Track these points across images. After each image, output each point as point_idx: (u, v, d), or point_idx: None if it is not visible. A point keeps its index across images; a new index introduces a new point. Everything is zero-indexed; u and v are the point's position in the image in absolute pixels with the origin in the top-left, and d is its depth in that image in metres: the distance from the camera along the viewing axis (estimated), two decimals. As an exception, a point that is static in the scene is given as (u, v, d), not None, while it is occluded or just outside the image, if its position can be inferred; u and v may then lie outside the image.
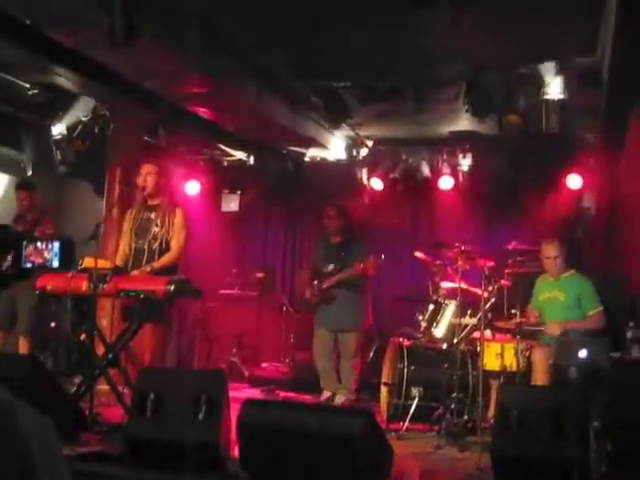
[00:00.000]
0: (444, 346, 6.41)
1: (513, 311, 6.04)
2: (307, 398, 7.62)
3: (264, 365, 8.89)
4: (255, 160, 9.65)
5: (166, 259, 5.85)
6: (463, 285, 6.16)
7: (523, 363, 5.92)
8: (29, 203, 7.37)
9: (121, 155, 8.24)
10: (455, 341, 6.16)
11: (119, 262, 5.97)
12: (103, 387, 5.70)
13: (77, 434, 4.94)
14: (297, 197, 10.14)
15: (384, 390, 6.39)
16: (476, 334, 6.25)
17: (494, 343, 6.07)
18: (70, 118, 8.35)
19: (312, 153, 9.49)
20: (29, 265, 5.17)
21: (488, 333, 6.13)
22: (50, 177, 8.91)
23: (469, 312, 6.31)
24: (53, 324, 7.65)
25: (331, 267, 7.14)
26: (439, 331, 6.46)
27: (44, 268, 5.16)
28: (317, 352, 7.47)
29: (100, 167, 8.71)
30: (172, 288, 5.21)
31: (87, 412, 5.18)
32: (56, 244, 5.04)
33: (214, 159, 10.24)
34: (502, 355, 5.95)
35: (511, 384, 5.71)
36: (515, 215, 9.10)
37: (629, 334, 5.43)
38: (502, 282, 6.36)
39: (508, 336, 6.21)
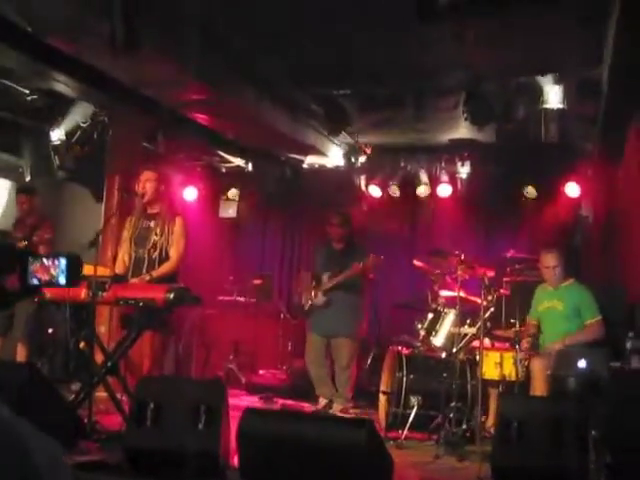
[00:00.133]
0: (443, 355, 6.40)
1: (512, 320, 6.04)
2: (305, 405, 7.60)
3: (261, 372, 8.87)
4: (253, 167, 9.65)
5: (165, 268, 5.84)
6: (462, 294, 6.16)
7: (522, 372, 5.91)
8: (29, 207, 7.37)
9: (120, 161, 8.24)
10: (454, 350, 6.16)
11: (118, 270, 5.96)
12: (101, 394, 5.68)
13: (75, 442, 4.93)
14: (295, 204, 10.15)
15: (383, 399, 6.38)
16: (475, 343, 6.26)
17: (493, 352, 6.07)
18: (69, 123, 8.35)
19: (310, 160, 9.50)
20: (35, 282, 5.11)
21: (487, 342, 6.12)
22: (49, 182, 8.90)
23: (468, 321, 6.31)
24: (50, 330, 7.65)
25: (331, 273, 7.12)
26: (438, 340, 6.45)
27: (50, 285, 5.12)
28: (309, 359, 7.44)
29: (99, 172, 8.70)
30: (171, 296, 5.20)
31: (85, 420, 5.17)
32: (63, 260, 4.98)
33: (212, 165, 10.25)
34: (501, 364, 5.95)
35: (511, 394, 5.71)
36: (513, 223, 9.12)
37: (628, 344, 5.42)
38: (501, 291, 6.37)
39: (507, 345, 6.21)
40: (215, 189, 10.48)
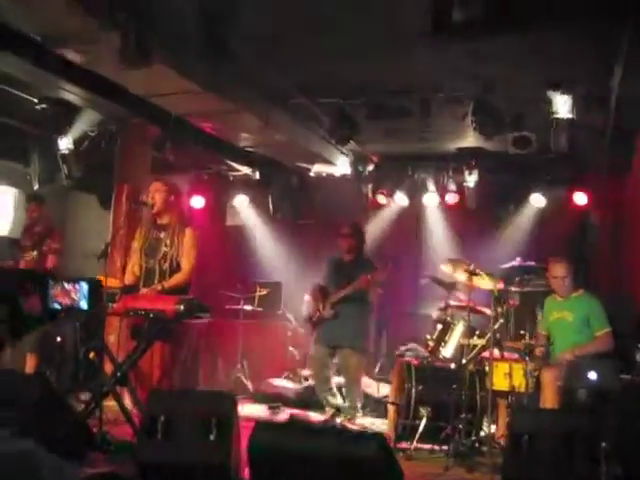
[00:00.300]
0: (452, 366, 6.39)
1: (522, 332, 6.03)
2: (312, 415, 7.58)
3: (269, 381, 8.85)
4: (261, 175, 9.67)
5: (177, 279, 5.82)
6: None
7: (532, 384, 5.89)
8: (38, 215, 7.39)
9: (128, 170, 8.26)
10: (464, 361, 6.14)
11: (128, 281, 5.96)
12: (110, 404, 5.68)
13: (86, 453, 4.93)
14: (302, 212, 10.14)
15: (391, 410, 6.36)
16: (484, 354, 6.25)
17: (502, 363, 6.05)
18: (76, 131, 8.37)
19: (317, 169, 9.52)
20: (56, 306, 5.10)
21: (496, 353, 6.10)
22: (56, 190, 8.91)
23: (477, 332, 6.30)
24: (59, 339, 7.64)
25: (339, 284, 7.11)
26: (447, 351, 6.44)
27: (72, 309, 5.11)
28: (313, 371, 7.48)
29: (106, 180, 8.73)
30: (182, 308, 5.19)
31: (95, 430, 5.17)
32: (84, 285, 4.98)
33: (220, 173, 10.27)
34: (510, 375, 5.93)
35: (521, 407, 5.69)
36: (520, 232, 9.12)
37: (638, 356, 5.42)
38: (511, 302, 6.35)
39: (516, 356, 6.19)
40: (222, 197, 10.50)
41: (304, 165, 9.45)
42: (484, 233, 9.30)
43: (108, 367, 5.72)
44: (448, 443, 5.84)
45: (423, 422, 5.98)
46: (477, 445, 5.94)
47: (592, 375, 5.43)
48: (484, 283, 6.22)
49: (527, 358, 5.88)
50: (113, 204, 8.20)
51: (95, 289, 5.07)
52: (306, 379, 8.80)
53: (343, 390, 7.31)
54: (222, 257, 9.90)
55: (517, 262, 7.53)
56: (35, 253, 6.99)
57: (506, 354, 6.26)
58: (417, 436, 5.96)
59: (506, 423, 5.97)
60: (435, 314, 7.14)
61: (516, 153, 7.64)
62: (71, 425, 4.96)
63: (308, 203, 10.01)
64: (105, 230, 8.38)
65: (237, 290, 9.22)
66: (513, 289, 6.99)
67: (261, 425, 4.18)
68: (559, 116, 6.70)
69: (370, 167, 9.37)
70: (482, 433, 6.12)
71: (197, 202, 10.17)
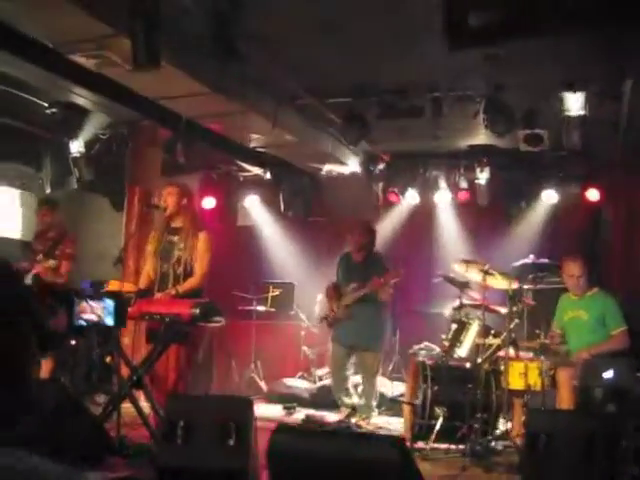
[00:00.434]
0: (468, 365, 6.38)
1: (537, 331, 6.01)
2: (327, 415, 7.58)
3: (283, 381, 8.86)
4: (271, 175, 9.67)
5: (190, 283, 5.81)
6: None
7: (548, 383, 5.88)
8: (50, 220, 7.36)
9: (139, 172, 8.29)
10: (479, 361, 6.13)
11: (142, 285, 5.97)
12: (125, 406, 5.69)
13: (104, 458, 4.95)
14: (313, 211, 10.14)
15: (407, 409, 6.36)
16: (500, 353, 6.24)
17: (518, 362, 6.04)
18: (87, 134, 8.39)
19: (328, 167, 9.51)
20: (82, 322, 5.10)
21: (511, 352, 6.09)
22: (68, 193, 8.93)
23: (492, 332, 6.29)
24: (73, 342, 7.67)
25: (353, 285, 7.11)
26: (463, 351, 6.44)
27: (97, 326, 5.12)
28: (331, 369, 7.51)
29: (118, 183, 8.76)
30: (197, 311, 5.20)
31: (112, 434, 5.19)
32: (110, 302, 4.98)
33: (230, 174, 10.28)
34: (526, 374, 5.92)
35: (538, 408, 5.67)
36: (533, 229, 9.09)
37: (654, 354, 5.40)
38: (526, 302, 6.34)
39: (531, 355, 6.18)
40: (233, 197, 10.51)
41: (315, 165, 9.44)
42: (496, 230, 9.28)
43: (124, 370, 5.74)
44: (464, 443, 5.85)
45: (439, 422, 5.97)
46: (493, 444, 5.93)
47: (608, 374, 5.41)
48: (498, 283, 6.21)
49: (542, 357, 5.86)
50: (125, 207, 8.22)
51: (121, 305, 5.07)
52: (320, 379, 8.82)
53: (359, 389, 7.33)
54: (233, 257, 9.89)
55: (530, 259, 7.51)
56: (53, 262, 6.98)
57: (521, 353, 6.25)
58: (433, 436, 5.95)
59: (522, 422, 5.97)
60: (449, 313, 7.14)
61: (528, 150, 7.61)
62: (89, 430, 4.98)
63: (319, 201, 10.02)
64: (117, 232, 8.42)
65: (250, 291, 9.23)
66: (526, 287, 6.98)
67: (280, 429, 4.18)
68: (571, 113, 6.67)
69: (381, 165, 9.35)
70: (498, 432, 6.11)
71: (208, 203, 10.21)
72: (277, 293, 9.44)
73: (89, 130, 8.31)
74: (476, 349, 6.27)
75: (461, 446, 5.90)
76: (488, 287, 6.15)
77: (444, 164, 9.41)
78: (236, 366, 9.06)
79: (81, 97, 6.99)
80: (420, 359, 6.76)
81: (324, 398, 8.13)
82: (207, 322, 5.44)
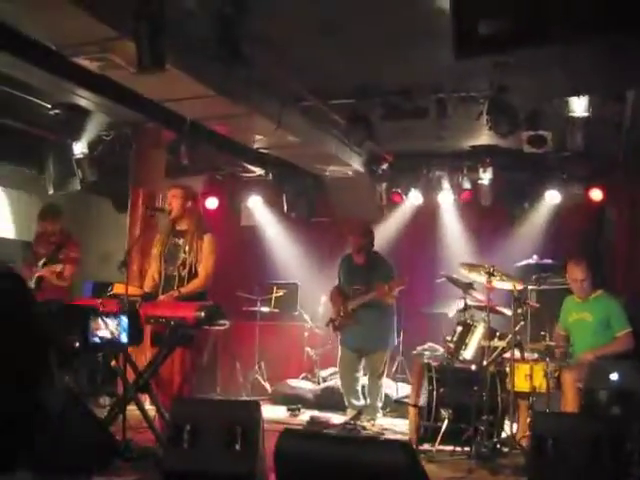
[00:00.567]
0: (473, 367, 6.37)
1: (542, 333, 6.01)
2: (332, 417, 7.59)
3: (287, 382, 8.86)
4: (274, 175, 9.67)
5: (194, 285, 5.83)
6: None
7: (553, 384, 5.88)
8: (53, 227, 7.31)
9: (143, 174, 8.28)
10: (485, 363, 6.13)
11: (147, 287, 5.97)
12: (129, 408, 5.69)
13: (110, 461, 4.95)
14: (317, 212, 10.13)
15: (412, 412, 6.35)
16: (505, 355, 6.23)
17: (523, 364, 6.03)
18: (90, 135, 8.38)
19: (332, 168, 9.50)
20: (97, 340, 5.07)
21: (517, 354, 6.09)
22: (71, 194, 8.93)
23: (498, 334, 6.28)
24: (77, 344, 7.66)
25: (357, 287, 7.12)
26: (468, 353, 6.43)
27: (112, 343, 5.10)
28: (341, 371, 7.52)
29: (121, 184, 8.75)
30: (202, 315, 5.20)
31: (117, 437, 5.18)
32: (124, 319, 4.97)
33: (233, 174, 10.27)
34: (531, 376, 5.91)
35: (545, 411, 5.65)
36: (536, 229, 9.08)
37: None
38: (531, 304, 6.33)
39: (536, 356, 6.17)
40: (236, 198, 10.50)
41: (319, 166, 9.43)
42: (499, 231, 9.28)
43: (130, 375, 5.73)
44: (470, 445, 5.84)
45: (445, 424, 5.97)
46: (499, 447, 5.92)
47: (614, 376, 5.40)
48: (503, 284, 6.20)
49: (547, 359, 5.86)
50: (129, 209, 8.21)
51: (136, 322, 5.05)
52: (324, 380, 8.82)
53: (365, 390, 7.34)
54: (237, 258, 9.89)
55: (534, 260, 7.52)
56: (60, 266, 6.98)
57: (526, 354, 6.24)
58: (439, 438, 5.94)
59: (527, 424, 5.96)
60: (452, 314, 7.14)
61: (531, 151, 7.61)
62: (95, 433, 4.98)
63: (322, 202, 10.01)
64: (120, 234, 8.41)
65: (254, 292, 9.22)
66: (530, 288, 6.98)
67: (287, 433, 4.18)
68: (575, 115, 6.68)
69: (384, 166, 9.35)
70: (503, 434, 6.10)
71: (211, 203, 10.21)
72: (281, 294, 9.44)
73: (92, 131, 8.31)
74: (481, 351, 6.26)
75: (467, 448, 5.90)
76: (493, 289, 6.13)
77: (447, 165, 9.41)
78: (240, 367, 9.06)
79: (84, 99, 6.98)
80: (425, 361, 6.75)
81: (328, 399, 8.14)
82: (212, 325, 5.45)
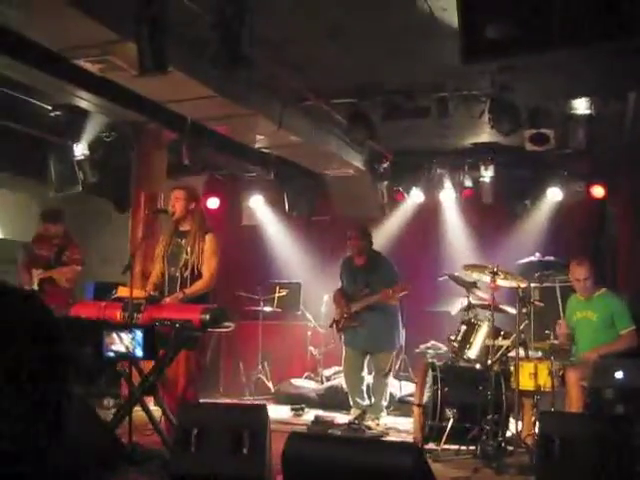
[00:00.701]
0: (478, 367, 6.38)
1: (546, 332, 6.01)
2: (336, 416, 7.59)
3: (290, 381, 8.86)
4: (276, 175, 9.66)
5: (197, 286, 5.82)
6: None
7: (557, 383, 5.88)
8: (55, 231, 7.28)
9: (145, 175, 8.27)
10: (489, 362, 6.13)
11: (151, 289, 5.97)
12: (134, 409, 5.68)
13: (116, 465, 4.94)
14: (318, 211, 10.13)
15: (417, 411, 6.36)
16: (510, 353, 6.23)
17: (528, 363, 6.04)
18: (90, 136, 8.37)
19: (333, 167, 9.49)
20: (111, 354, 5.05)
21: (521, 352, 6.09)
22: (72, 196, 8.92)
23: (502, 333, 6.28)
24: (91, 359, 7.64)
25: (359, 289, 7.12)
26: (473, 352, 6.43)
27: (126, 357, 5.08)
28: (345, 371, 7.52)
29: (122, 185, 8.74)
30: (207, 317, 5.19)
31: (124, 440, 5.18)
32: (139, 333, 4.94)
33: (235, 174, 10.27)
34: (536, 375, 5.92)
35: (551, 411, 5.66)
36: (538, 227, 9.09)
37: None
38: (536, 303, 6.33)
39: (540, 354, 6.18)
40: (238, 197, 10.50)
41: (320, 165, 9.42)
42: (501, 228, 9.29)
43: (134, 375, 5.73)
44: (475, 444, 5.85)
45: (450, 423, 5.97)
46: (504, 445, 5.93)
47: (618, 374, 5.40)
48: (507, 282, 6.21)
49: (552, 357, 5.86)
50: (132, 210, 8.20)
51: (150, 336, 5.03)
52: (327, 379, 8.82)
53: (370, 389, 7.35)
54: (239, 258, 9.89)
55: (536, 257, 7.51)
56: (66, 268, 6.97)
57: (530, 353, 6.25)
58: (444, 437, 5.95)
59: (532, 422, 5.98)
60: (455, 312, 7.14)
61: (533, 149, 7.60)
62: (100, 436, 4.98)
63: (324, 200, 10.01)
64: (122, 235, 8.40)
65: (256, 291, 9.22)
66: (533, 285, 6.98)
67: (295, 436, 4.18)
68: (577, 112, 6.68)
69: (386, 164, 9.35)
70: (508, 433, 6.11)
71: (212, 203, 10.20)
72: (284, 293, 9.44)
73: (93, 133, 8.30)
74: (486, 350, 6.26)
75: (472, 447, 5.91)
76: (497, 288, 6.13)
77: (449, 162, 9.41)
78: (243, 367, 9.06)
79: (85, 100, 6.98)
80: (429, 360, 6.75)
81: (332, 398, 8.15)
82: (217, 328, 5.45)
